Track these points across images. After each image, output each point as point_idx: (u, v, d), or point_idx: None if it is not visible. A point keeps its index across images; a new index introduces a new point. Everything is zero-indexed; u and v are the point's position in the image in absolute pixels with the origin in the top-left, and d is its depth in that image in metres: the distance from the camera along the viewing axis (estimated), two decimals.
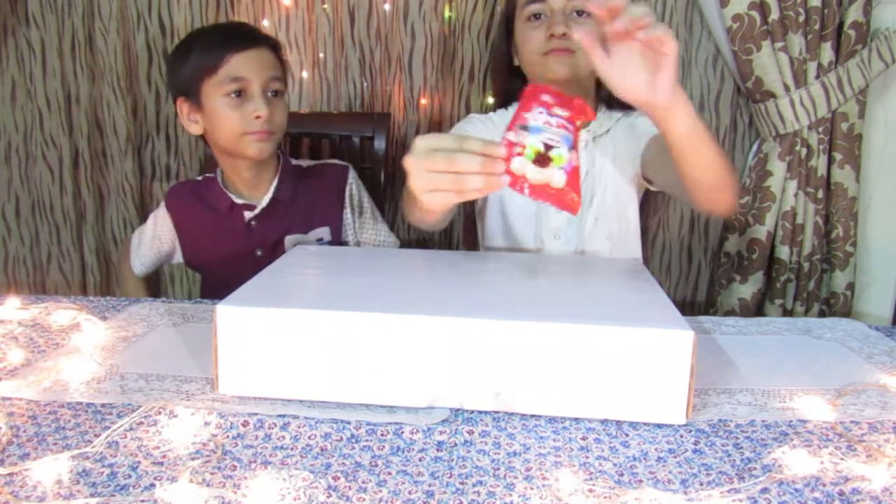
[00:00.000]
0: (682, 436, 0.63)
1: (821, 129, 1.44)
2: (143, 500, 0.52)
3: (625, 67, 0.70)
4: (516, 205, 1.17)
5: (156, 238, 1.26)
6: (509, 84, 1.19)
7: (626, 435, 0.63)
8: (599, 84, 1.12)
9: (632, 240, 1.17)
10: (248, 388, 0.67)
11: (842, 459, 0.59)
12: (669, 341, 0.62)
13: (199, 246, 1.24)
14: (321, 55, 1.61)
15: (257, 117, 1.09)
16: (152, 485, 0.54)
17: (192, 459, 0.57)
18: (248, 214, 1.19)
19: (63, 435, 0.61)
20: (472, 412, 0.66)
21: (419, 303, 0.68)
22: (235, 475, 0.55)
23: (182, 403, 0.66)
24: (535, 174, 0.67)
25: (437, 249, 1.67)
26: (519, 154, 0.67)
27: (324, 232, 1.23)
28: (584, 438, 0.62)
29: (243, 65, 1.09)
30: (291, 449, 0.60)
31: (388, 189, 1.49)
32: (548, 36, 1.04)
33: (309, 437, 0.61)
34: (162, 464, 0.57)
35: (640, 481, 0.56)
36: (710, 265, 1.65)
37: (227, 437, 0.61)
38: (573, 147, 0.69)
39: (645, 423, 0.64)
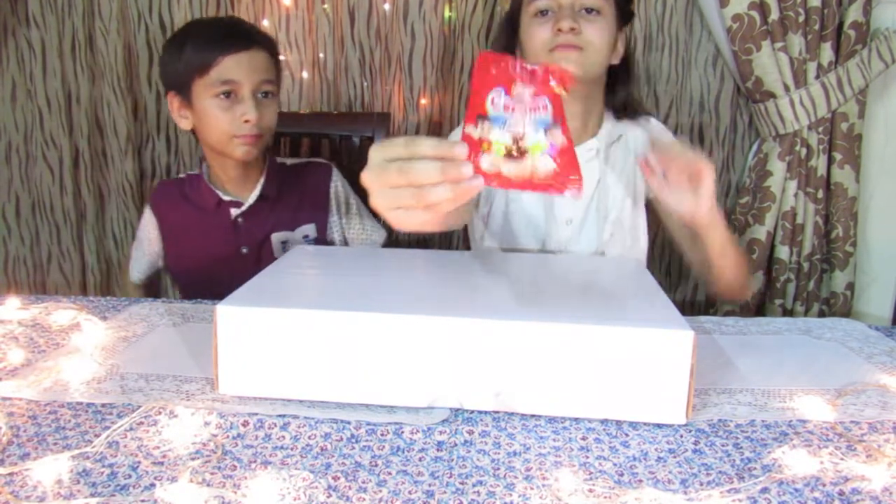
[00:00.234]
0: (682, 436, 0.63)
1: (821, 129, 1.44)
2: (143, 500, 0.52)
3: (678, 193, 0.88)
4: (524, 213, 1.13)
5: (145, 240, 1.26)
6: None
7: (626, 435, 0.63)
8: (608, 88, 1.11)
9: (641, 253, 1.16)
10: (248, 388, 0.67)
11: (842, 459, 0.59)
12: (669, 341, 0.62)
13: (182, 246, 1.23)
14: (321, 55, 1.61)
15: (246, 121, 1.09)
16: (152, 485, 0.54)
17: (192, 459, 0.57)
18: (234, 211, 1.18)
19: (63, 435, 0.61)
20: (472, 412, 0.66)
21: (419, 303, 0.68)
22: (235, 475, 0.55)
23: (182, 403, 0.66)
24: (512, 170, 0.58)
25: (437, 249, 1.67)
26: (485, 152, 0.58)
27: (310, 229, 1.23)
28: (584, 438, 0.62)
29: (235, 67, 1.08)
30: (291, 449, 0.60)
31: None
32: (555, 31, 1.01)
33: (309, 437, 0.61)
34: (162, 464, 0.57)
35: (640, 481, 0.56)
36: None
37: (227, 437, 0.61)
38: (557, 121, 0.58)
39: (645, 423, 0.64)
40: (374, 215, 1.32)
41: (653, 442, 0.62)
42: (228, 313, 0.66)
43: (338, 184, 1.28)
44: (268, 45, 1.14)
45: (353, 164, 1.45)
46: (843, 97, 1.41)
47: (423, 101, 1.61)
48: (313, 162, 1.30)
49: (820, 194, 1.47)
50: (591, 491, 0.54)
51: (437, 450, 0.60)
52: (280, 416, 0.65)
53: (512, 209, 1.13)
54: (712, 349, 0.82)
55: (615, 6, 1.05)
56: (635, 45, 1.53)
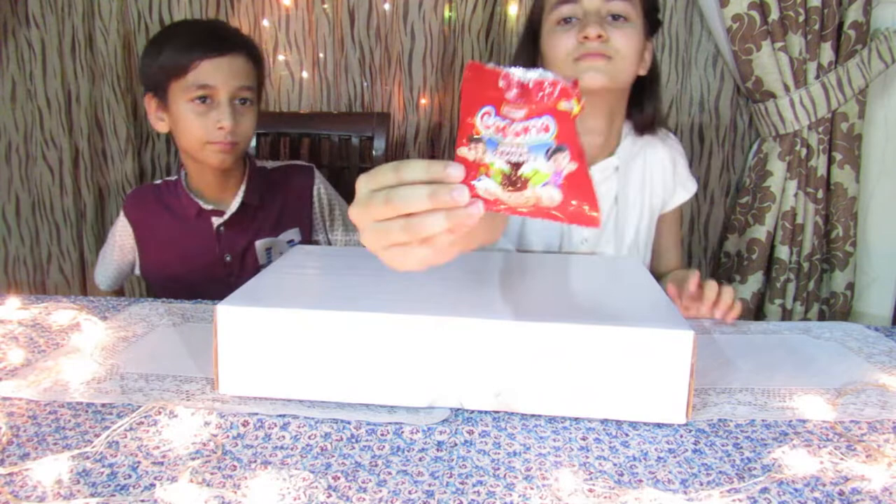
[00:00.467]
0: (682, 436, 0.63)
1: (821, 129, 1.44)
2: (143, 500, 0.52)
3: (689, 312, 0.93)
4: (538, 231, 1.09)
5: (117, 248, 1.23)
6: None
7: (626, 435, 0.63)
8: (631, 101, 1.06)
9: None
10: (248, 388, 0.67)
11: (842, 459, 0.59)
12: (669, 341, 0.62)
13: (161, 254, 1.20)
14: (321, 55, 1.61)
15: (220, 128, 1.06)
16: (152, 485, 0.54)
17: (192, 459, 0.57)
18: (216, 220, 1.15)
19: (63, 435, 0.61)
20: (473, 412, 0.66)
21: (419, 303, 0.68)
22: (235, 475, 0.55)
23: (182, 403, 0.66)
24: (513, 199, 0.49)
25: None
26: (482, 177, 0.49)
27: (294, 234, 1.21)
28: (584, 438, 0.62)
29: (212, 72, 1.06)
30: (291, 449, 0.60)
31: None
32: (580, 39, 0.94)
33: (309, 437, 0.61)
34: (162, 464, 0.57)
35: (640, 481, 0.56)
36: (710, 265, 1.65)
37: (227, 437, 0.61)
38: (563, 144, 0.48)
39: (645, 423, 0.64)
40: None
41: (653, 442, 0.62)
42: (228, 313, 0.66)
43: (320, 187, 1.25)
44: (249, 51, 1.11)
45: (351, 166, 1.45)
46: (843, 97, 1.41)
47: (423, 101, 1.61)
48: (295, 165, 1.28)
49: (820, 194, 1.47)
50: (591, 491, 0.54)
51: (437, 450, 0.60)
52: (280, 416, 0.65)
53: (527, 225, 1.09)
54: (712, 349, 0.82)
55: (643, 14, 1.00)
56: None
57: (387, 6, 1.56)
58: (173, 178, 1.20)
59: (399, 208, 0.48)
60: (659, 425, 0.64)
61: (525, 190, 0.48)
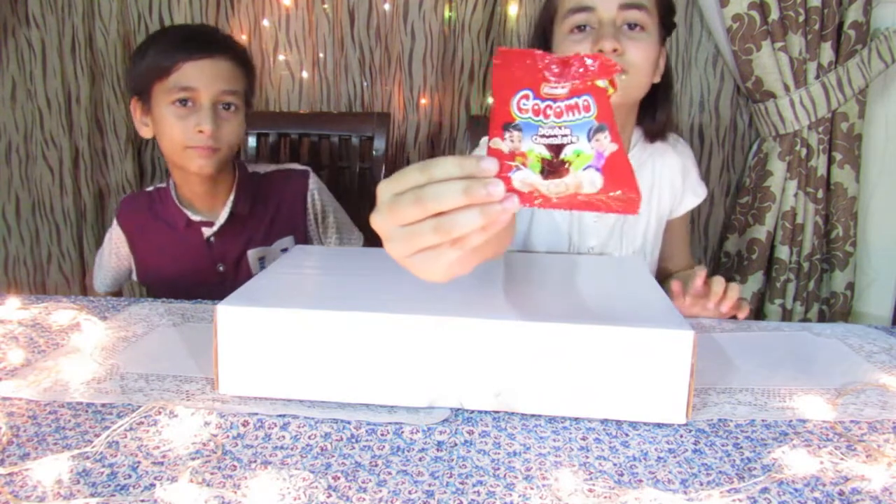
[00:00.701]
0: (682, 436, 0.63)
1: (821, 129, 1.44)
2: (143, 500, 0.52)
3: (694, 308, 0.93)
4: (544, 238, 1.07)
5: (113, 255, 1.21)
6: None
7: (626, 435, 0.63)
8: (643, 107, 1.03)
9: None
10: (248, 388, 0.67)
11: (842, 459, 0.59)
12: (669, 341, 0.62)
13: (156, 262, 1.18)
14: (321, 55, 1.61)
15: (200, 131, 1.03)
16: (152, 485, 0.54)
17: (192, 459, 0.57)
18: (206, 231, 1.13)
19: (63, 435, 0.61)
20: (473, 412, 0.66)
21: (419, 303, 0.68)
22: (235, 475, 0.55)
23: (182, 403, 0.66)
24: (553, 188, 0.47)
25: None
26: (518, 167, 0.47)
27: (288, 242, 1.19)
28: (584, 438, 0.62)
29: (194, 74, 1.03)
30: (291, 449, 0.60)
31: None
32: (595, 51, 0.90)
33: (309, 437, 0.61)
34: (162, 464, 0.57)
35: (640, 481, 0.56)
36: (710, 265, 1.65)
37: (227, 437, 0.61)
38: (604, 123, 0.47)
39: (645, 423, 0.64)
40: (352, 221, 1.29)
41: (653, 442, 0.62)
42: (228, 313, 0.66)
43: (315, 192, 1.23)
44: (236, 55, 1.08)
45: (351, 166, 1.45)
46: (843, 97, 1.41)
47: (423, 101, 1.61)
48: (289, 169, 1.24)
49: (820, 194, 1.47)
50: (591, 491, 0.54)
51: (437, 450, 0.60)
52: (280, 416, 0.65)
53: (533, 232, 1.08)
54: (712, 349, 0.82)
55: (658, 20, 0.96)
56: None
57: (387, 6, 1.56)
58: (163, 185, 1.17)
59: (430, 207, 0.46)
60: (659, 425, 0.64)
61: (566, 176, 0.47)
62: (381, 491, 0.54)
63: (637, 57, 0.92)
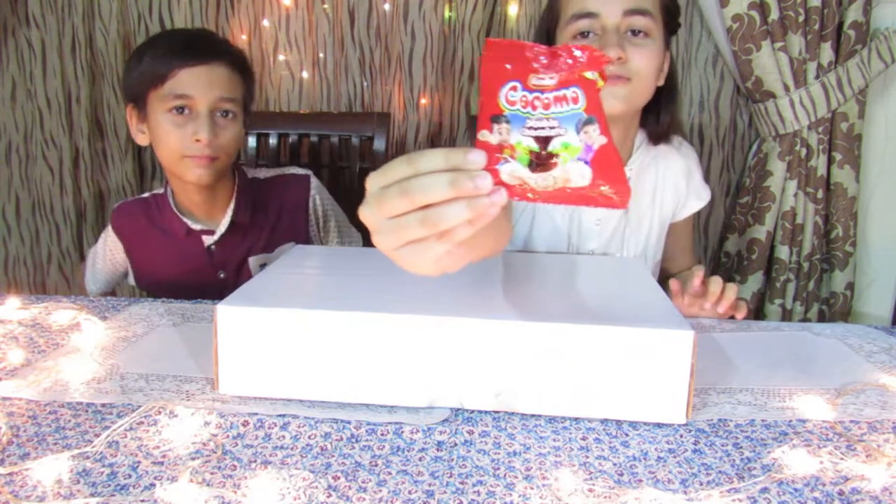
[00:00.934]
0: (682, 436, 0.63)
1: (821, 129, 1.44)
2: (143, 500, 0.52)
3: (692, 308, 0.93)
4: (545, 240, 1.06)
5: (107, 261, 1.20)
6: None
7: (626, 435, 0.63)
8: (646, 109, 1.02)
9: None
10: (248, 388, 0.67)
11: (841, 459, 0.59)
12: (669, 341, 0.62)
13: (154, 268, 1.16)
14: (321, 55, 1.61)
15: (197, 140, 1.00)
16: (152, 485, 0.54)
17: (192, 459, 0.57)
18: (207, 239, 1.11)
19: (63, 435, 0.61)
20: (473, 412, 0.66)
21: (419, 303, 0.68)
22: (235, 475, 0.55)
23: (182, 403, 0.66)
24: (541, 181, 0.47)
25: None
26: (506, 160, 0.47)
27: (289, 248, 1.16)
28: (584, 438, 0.62)
29: (191, 81, 1.00)
30: (291, 449, 0.60)
31: None
32: None
33: (309, 437, 0.61)
34: (162, 464, 0.57)
35: (640, 481, 0.56)
36: (710, 265, 1.65)
37: (227, 437, 0.61)
38: (592, 115, 0.47)
39: (645, 423, 0.64)
40: (352, 224, 1.28)
41: (653, 442, 0.62)
42: (228, 313, 0.66)
43: (316, 196, 1.21)
44: (233, 61, 1.06)
45: (351, 166, 1.46)
46: (843, 97, 1.41)
47: (423, 101, 1.61)
48: (289, 174, 1.22)
49: (820, 194, 1.47)
50: (591, 491, 0.54)
51: (437, 450, 0.60)
52: (280, 416, 0.65)
53: (534, 234, 1.07)
54: (712, 349, 0.82)
55: (663, 24, 0.95)
56: None
57: (387, 6, 1.57)
58: (160, 191, 1.15)
59: (417, 200, 0.45)
60: (659, 425, 0.64)
61: (554, 169, 0.46)
62: (381, 491, 0.54)
63: (641, 64, 0.91)
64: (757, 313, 1.54)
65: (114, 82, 1.62)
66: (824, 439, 0.62)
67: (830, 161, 1.47)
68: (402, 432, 0.62)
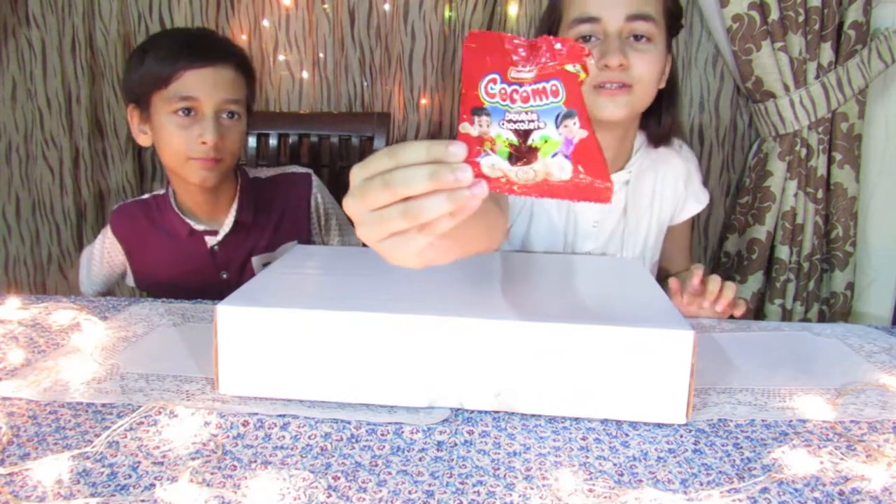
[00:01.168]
0: (682, 436, 0.63)
1: (821, 129, 1.44)
2: (143, 500, 0.52)
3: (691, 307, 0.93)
4: (543, 239, 1.06)
5: (105, 263, 1.19)
6: None
7: (626, 435, 0.63)
8: (646, 112, 1.00)
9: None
10: (248, 388, 0.67)
11: (842, 459, 0.59)
12: (669, 341, 0.62)
13: (155, 269, 1.16)
14: (321, 55, 1.61)
15: (203, 142, 1.00)
16: (152, 485, 0.54)
17: (192, 459, 0.57)
18: (210, 240, 1.11)
19: (63, 435, 0.61)
20: (473, 412, 0.66)
21: (419, 303, 0.68)
22: (235, 475, 0.55)
23: (182, 403, 0.66)
24: (521, 174, 0.47)
25: None
26: (487, 152, 0.47)
27: (292, 247, 1.16)
28: (584, 438, 0.62)
29: (196, 83, 1.00)
30: (291, 449, 0.60)
31: None
32: (600, 65, 0.89)
33: (309, 437, 0.61)
34: (162, 464, 0.57)
35: (640, 481, 0.56)
36: (710, 265, 1.65)
37: (227, 437, 0.61)
38: (572, 109, 0.46)
39: (645, 423, 0.64)
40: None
41: (653, 442, 0.62)
42: (228, 313, 0.66)
43: (318, 195, 1.21)
44: (238, 62, 1.05)
45: (351, 166, 1.45)
46: (843, 97, 1.41)
47: (423, 101, 1.61)
48: (291, 173, 1.22)
49: (820, 194, 1.47)
50: (591, 491, 0.54)
51: (437, 450, 0.60)
52: (280, 416, 0.65)
53: (532, 233, 1.07)
54: (712, 349, 0.82)
55: (665, 28, 0.94)
56: None
57: (387, 6, 1.56)
58: (161, 192, 1.15)
59: (398, 192, 0.45)
60: (659, 425, 0.64)
61: (534, 162, 0.46)
62: (381, 491, 0.54)
63: (643, 70, 0.91)
64: (757, 313, 1.54)
65: (114, 82, 1.62)
66: (824, 439, 0.62)
67: (830, 161, 1.47)
68: (402, 432, 0.62)
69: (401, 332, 0.64)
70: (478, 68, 0.48)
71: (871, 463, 0.58)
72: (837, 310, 1.52)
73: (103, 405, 0.66)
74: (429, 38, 1.57)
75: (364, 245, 0.50)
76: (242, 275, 1.14)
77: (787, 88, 1.41)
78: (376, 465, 0.57)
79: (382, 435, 0.62)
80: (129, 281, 1.21)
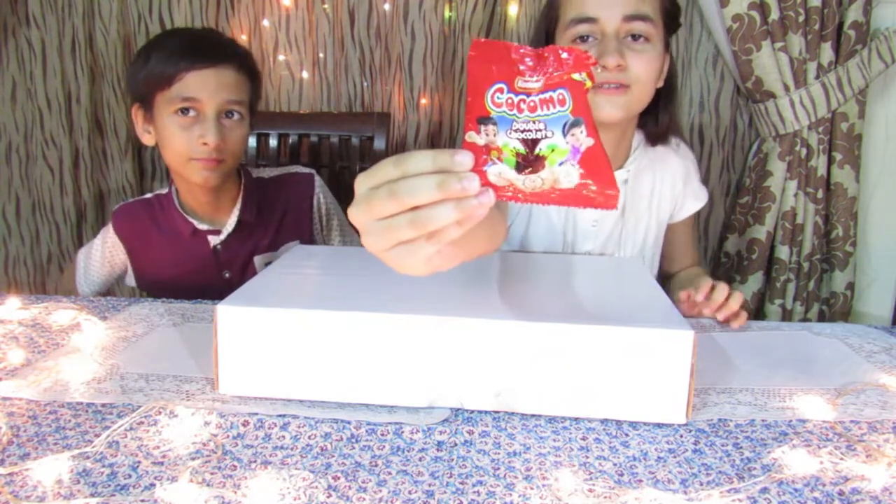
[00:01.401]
0: (682, 436, 0.63)
1: (821, 129, 1.44)
2: (143, 500, 0.52)
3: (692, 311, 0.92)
4: (542, 240, 1.06)
5: (105, 263, 1.19)
6: None
7: (626, 435, 0.63)
8: (645, 111, 1.00)
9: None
10: (248, 388, 0.67)
11: (841, 459, 0.59)
12: (669, 341, 0.62)
13: (157, 269, 1.16)
14: (321, 55, 1.61)
15: (204, 143, 1.00)
16: (152, 485, 0.54)
17: (192, 459, 0.57)
18: (213, 239, 1.11)
19: (63, 435, 0.61)
20: (473, 412, 0.66)
21: (419, 303, 0.68)
22: (235, 475, 0.55)
23: (182, 403, 0.66)
24: (528, 183, 0.47)
25: None
26: (493, 161, 0.47)
27: (294, 247, 1.18)
28: (584, 438, 0.62)
29: (198, 84, 1.00)
30: (291, 449, 0.60)
31: None
32: (598, 66, 0.87)
33: (309, 437, 0.61)
34: (162, 464, 0.57)
35: (640, 481, 0.56)
36: (710, 265, 1.65)
37: (227, 437, 0.61)
38: (579, 117, 0.47)
39: (645, 423, 0.64)
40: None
41: (653, 442, 0.62)
42: (228, 313, 0.66)
43: (320, 195, 1.22)
44: (240, 63, 1.05)
45: (351, 166, 1.46)
46: (843, 97, 1.41)
47: (423, 101, 1.61)
48: (294, 173, 1.22)
49: (820, 194, 1.47)
50: (591, 491, 0.54)
51: (437, 450, 0.60)
52: (280, 416, 0.65)
53: (531, 233, 1.07)
54: (712, 349, 0.82)
55: (663, 27, 0.94)
56: None
57: (387, 6, 1.56)
58: (163, 191, 1.15)
59: (405, 202, 0.45)
60: (659, 425, 0.64)
61: (541, 171, 0.46)
62: (381, 491, 0.54)
63: (641, 71, 0.91)
64: (757, 313, 1.54)
65: (114, 82, 1.62)
66: (824, 439, 0.62)
67: (830, 161, 1.47)
68: (402, 432, 0.62)
69: (401, 332, 0.64)
70: (484, 77, 0.48)
71: (871, 463, 0.58)
72: (837, 310, 1.52)
73: (103, 405, 0.66)
74: (429, 38, 1.57)
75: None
76: (245, 274, 1.15)
77: (787, 88, 1.41)
78: (376, 465, 0.57)
79: (382, 435, 0.62)
80: (130, 281, 1.21)
